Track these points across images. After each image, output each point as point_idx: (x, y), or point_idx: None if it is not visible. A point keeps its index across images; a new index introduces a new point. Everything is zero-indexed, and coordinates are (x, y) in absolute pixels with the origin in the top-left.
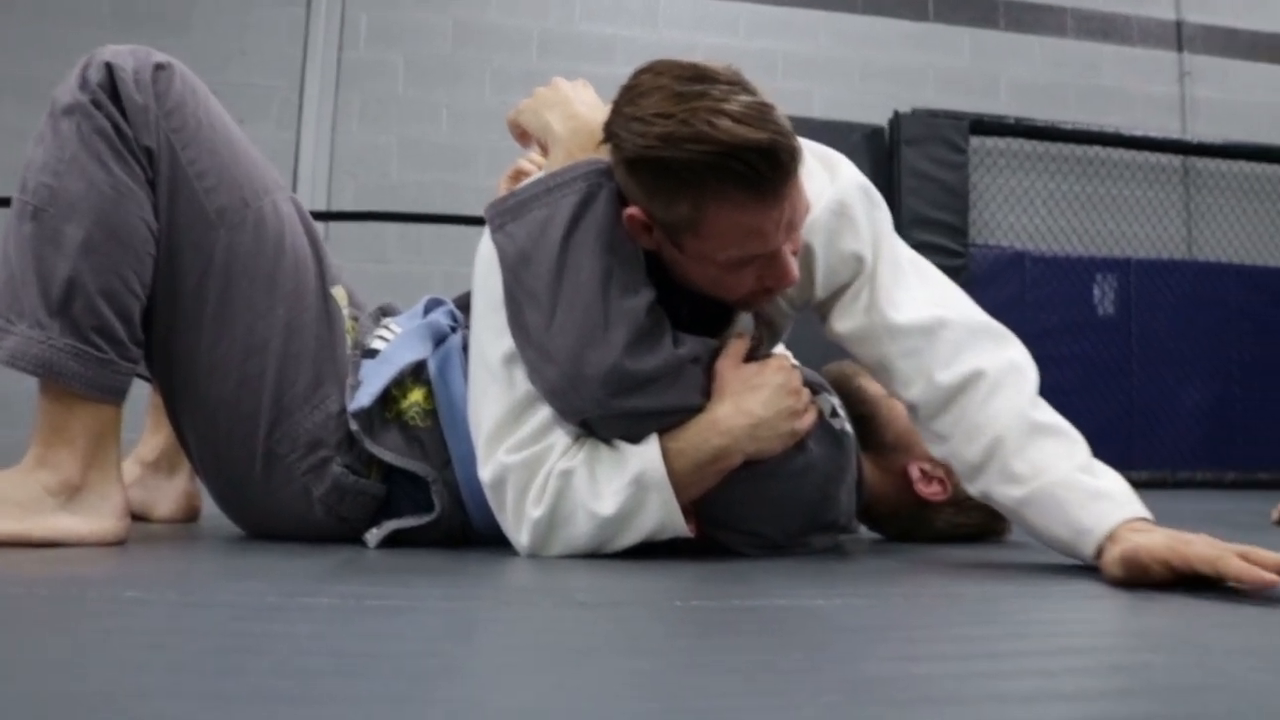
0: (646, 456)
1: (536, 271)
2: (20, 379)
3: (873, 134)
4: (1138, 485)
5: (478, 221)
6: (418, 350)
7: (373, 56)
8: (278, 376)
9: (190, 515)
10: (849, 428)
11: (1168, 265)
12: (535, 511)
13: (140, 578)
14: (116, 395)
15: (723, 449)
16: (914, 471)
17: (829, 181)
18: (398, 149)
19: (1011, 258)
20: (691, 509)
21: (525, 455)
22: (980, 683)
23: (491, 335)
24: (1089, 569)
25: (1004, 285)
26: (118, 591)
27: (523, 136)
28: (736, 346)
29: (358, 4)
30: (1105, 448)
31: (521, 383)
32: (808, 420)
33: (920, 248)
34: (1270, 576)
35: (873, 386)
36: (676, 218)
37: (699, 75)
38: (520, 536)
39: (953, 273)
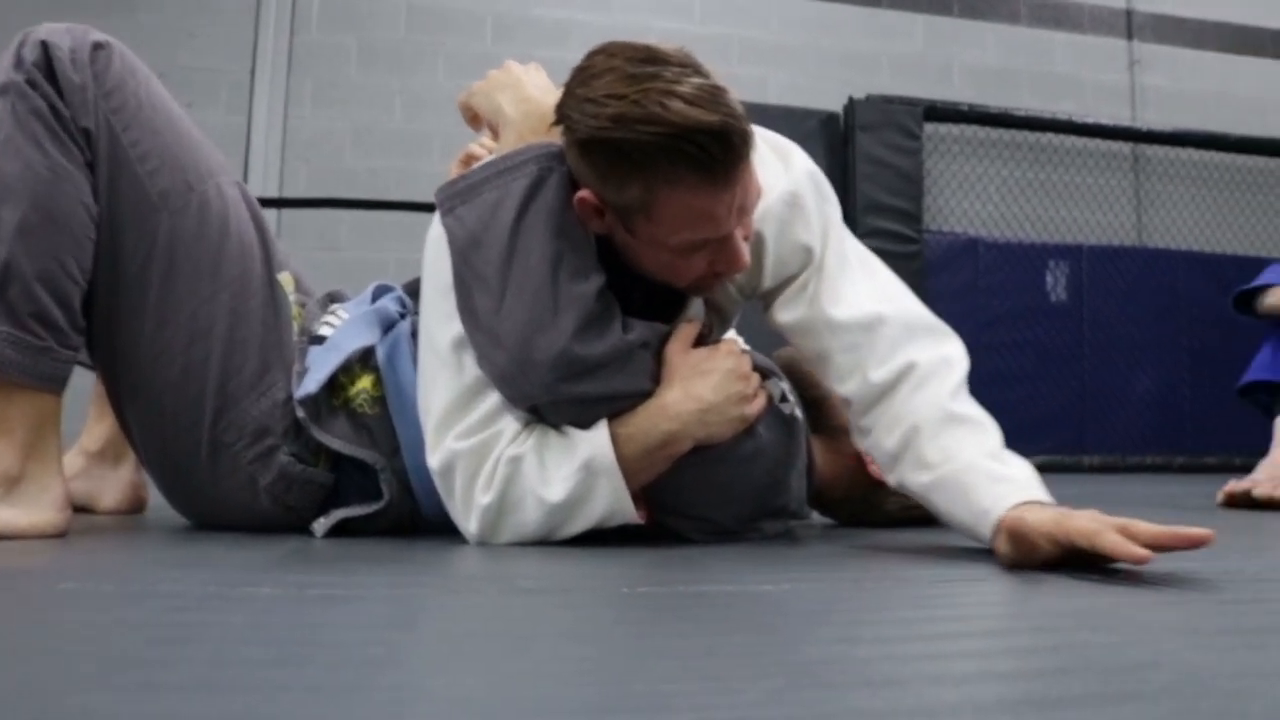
0: (595, 442)
1: (486, 255)
2: None
3: (828, 120)
4: (1090, 470)
5: (431, 208)
6: (365, 337)
7: (325, 40)
8: (222, 364)
9: (136, 506)
10: (799, 413)
11: (1118, 252)
12: (484, 498)
13: (77, 569)
14: (56, 384)
15: (672, 434)
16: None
17: (783, 171)
18: (351, 134)
19: (965, 244)
20: (642, 495)
21: (474, 441)
22: (919, 664)
23: (440, 320)
24: None
25: (958, 271)
26: (52, 584)
27: (474, 119)
28: (686, 331)
29: None
30: (1058, 433)
31: (470, 368)
32: (757, 405)
33: (875, 234)
34: (1141, 552)
35: None
36: (628, 200)
37: (651, 57)
38: (469, 524)
39: (907, 259)
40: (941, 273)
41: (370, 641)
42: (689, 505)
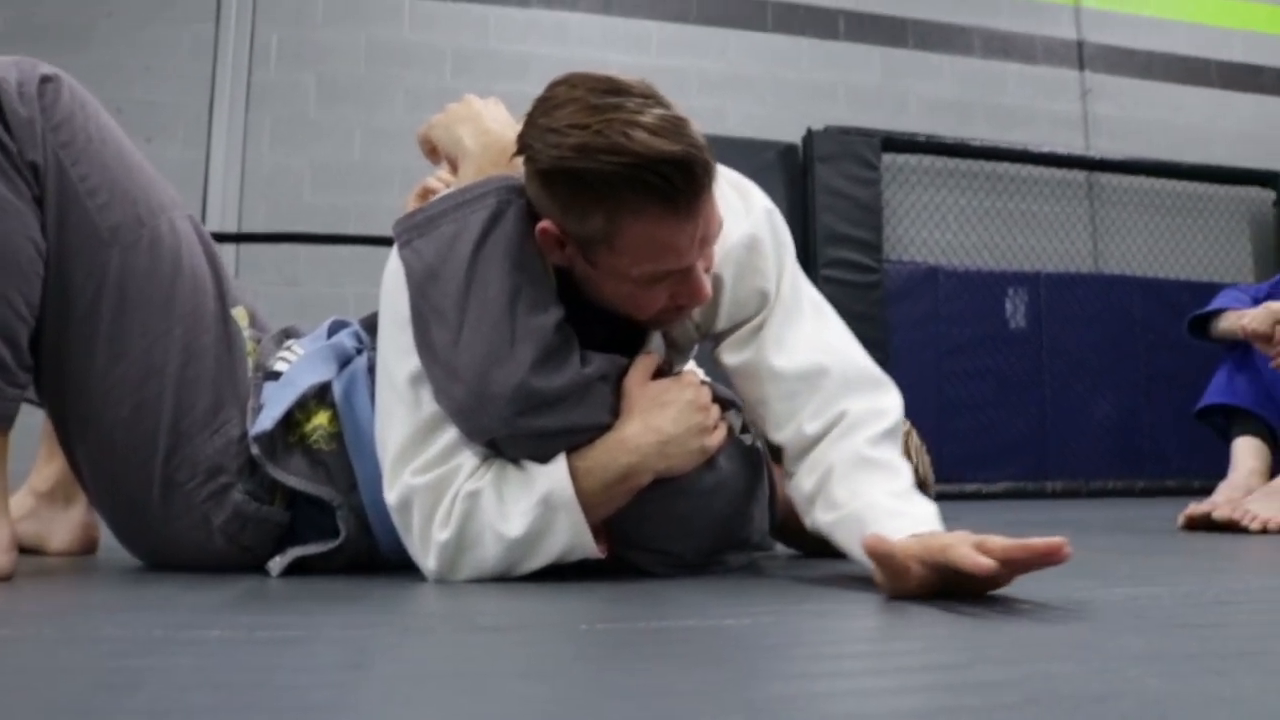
0: (554, 476)
1: (444, 288)
2: None
3: (786, 151)
4: (1053, 495)
5: (391, 243)
6: (321, 372)
7: (284, 75)
8: (175, 401)
9: (88, 547)
10: (760, 443)
11: (1076, 279)
12: (442, 534)
13: (18, 614)
14: (3, 422)
15: (631, 467)
16: None
17: (744, 212)
18: (310, 169)
19: (925, 273)
20: (602, 529)
21: (431, 477)
22: (882, 700)
23: (398, 355)
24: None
25: (918, 300)
26: None
27: (432, 153)
28: (645, 363)
29: (268, 21)
30: (1021, 459)
31: (428, 403)
32: (718, 437)
33: (835, 264)
34: (985, 562)
35: None
36: (590, 231)
37: (614, 88)
38: (427, 560)
39: (867, 288)
40: (902, 301)
41: (319, 685)
42: (650, 538)
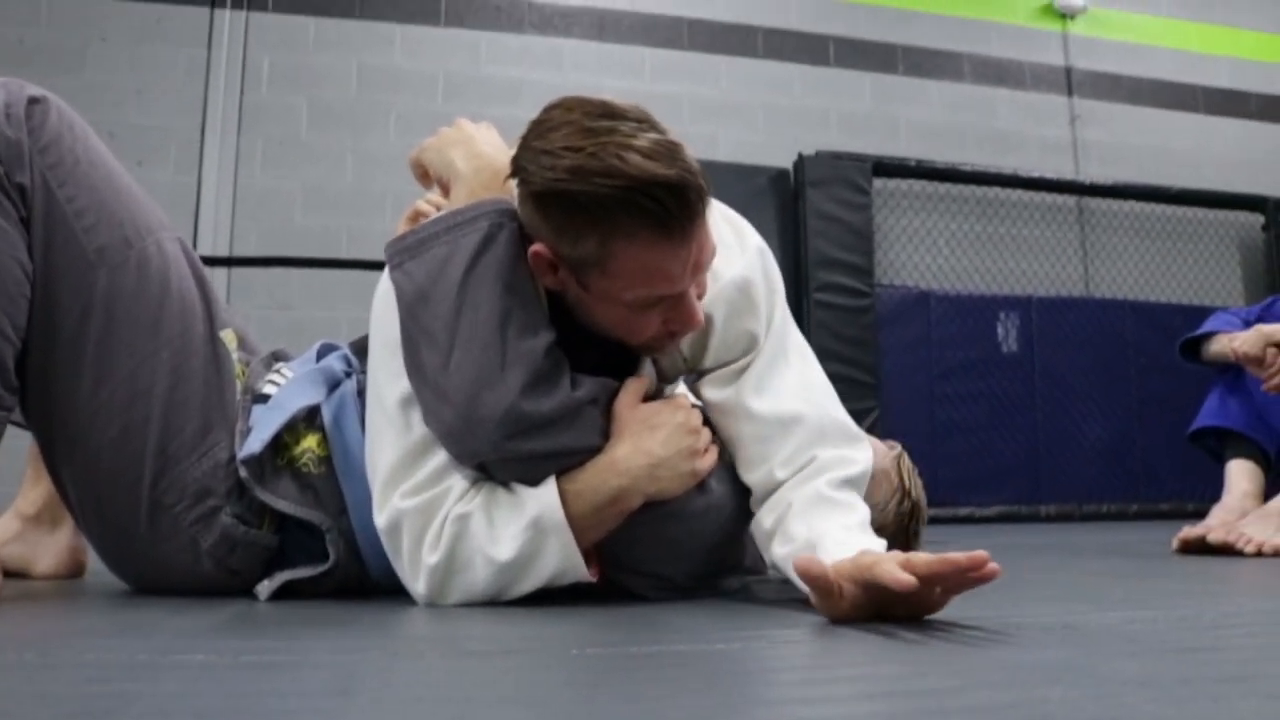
0: (544, 499)
1: (435, 311)
2: None
3: (778, 176)
4: (1046, 519)
5: (383, 267)
6: (310, 395)
7: (275, 99)
8: (163, 423)
9: (75, 571)
10: None
11: (1067, 302)
12: (431, 558)
13: (2, 639)
14: None
15: (622, 490)
16: None
17: (738, 250)
18: (302, 193)
19: (917, 297)
20: (593, 552)
21: (421, 500)
22: None
23: (388, 377)
24: (989, 609)
25: (910, 324)
26: None
27: (424, 176)
28: (635, 386)
29: (260, 45)
30: (1014, 483)
31: (418, 426)
32: (709, 460)
33: (827, 288)
34: (907, 579)
35: None
36: (583, 254)
37: (608, 112)
38: (417, 585)
39: (859, 313)
40: (894, 325)
41: (305, 710)
42: (641, 562)
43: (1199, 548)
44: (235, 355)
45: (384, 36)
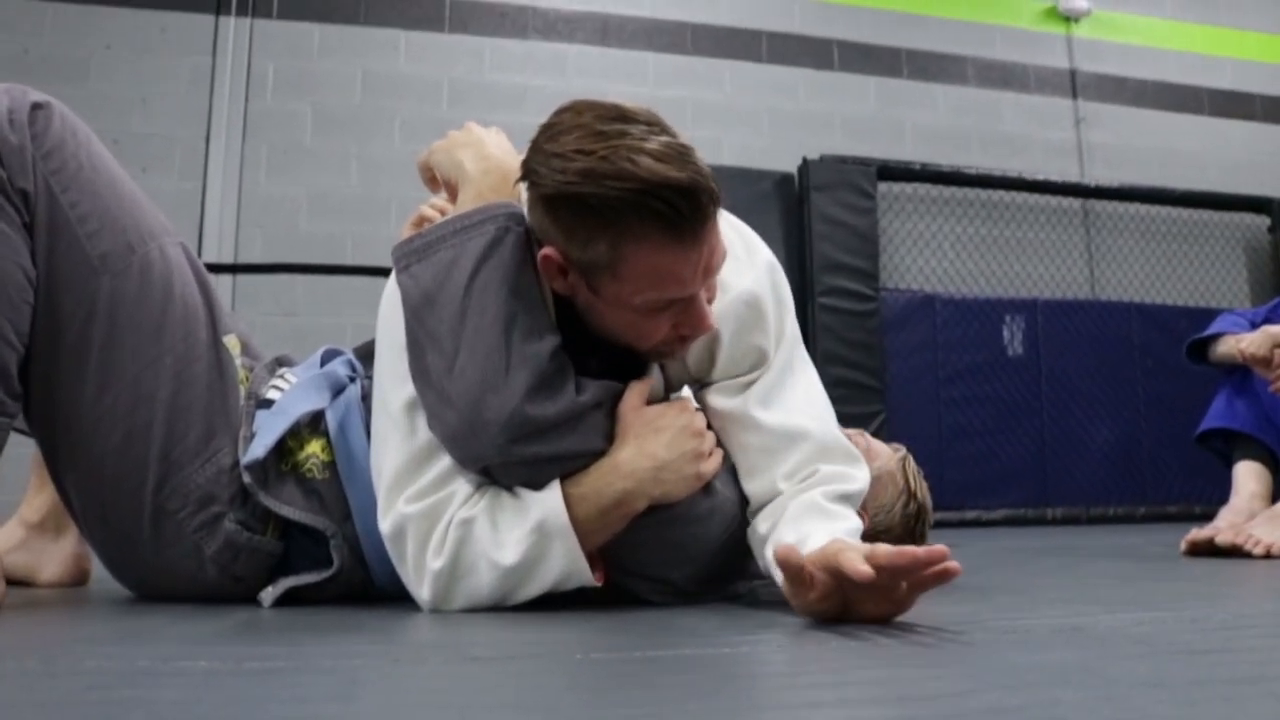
0: (548, 503)
1: (440, 314)
2: None
3: (782, 180)
4: (1053, 522)
5: (388, 273)
6: (314, 400)
7: (280, 106)
8: (166, 429)
9: (79, 578)
10: None
11: (1073, 305)
12: (436, 563)
13: (4, 646)
14: None
15: (626, 493)
16: None
17: (748, 262)
18: (306, 200)
19: (922, 301)
20: (598, 557)
21: (425, 505)
22: None
23: (394, 381)
24: (998, 611)
25: (915, 328)
26: None
27: (431, 180)
28: (639, 389)
29: (264, 53)
30: (1021, 486)
31: (423, 431)
32: (713, 463)
33: (832, 292)
34: (864, 569)
35: None
36: (594, 258)
37: (620, 115)
38: (421, 590)
39: (864, 316)
40: (899, 329)
41: (304, 717)
42: (646, 566)
43: (1207, 550)
44: (238, 361)
45: (388, 43)
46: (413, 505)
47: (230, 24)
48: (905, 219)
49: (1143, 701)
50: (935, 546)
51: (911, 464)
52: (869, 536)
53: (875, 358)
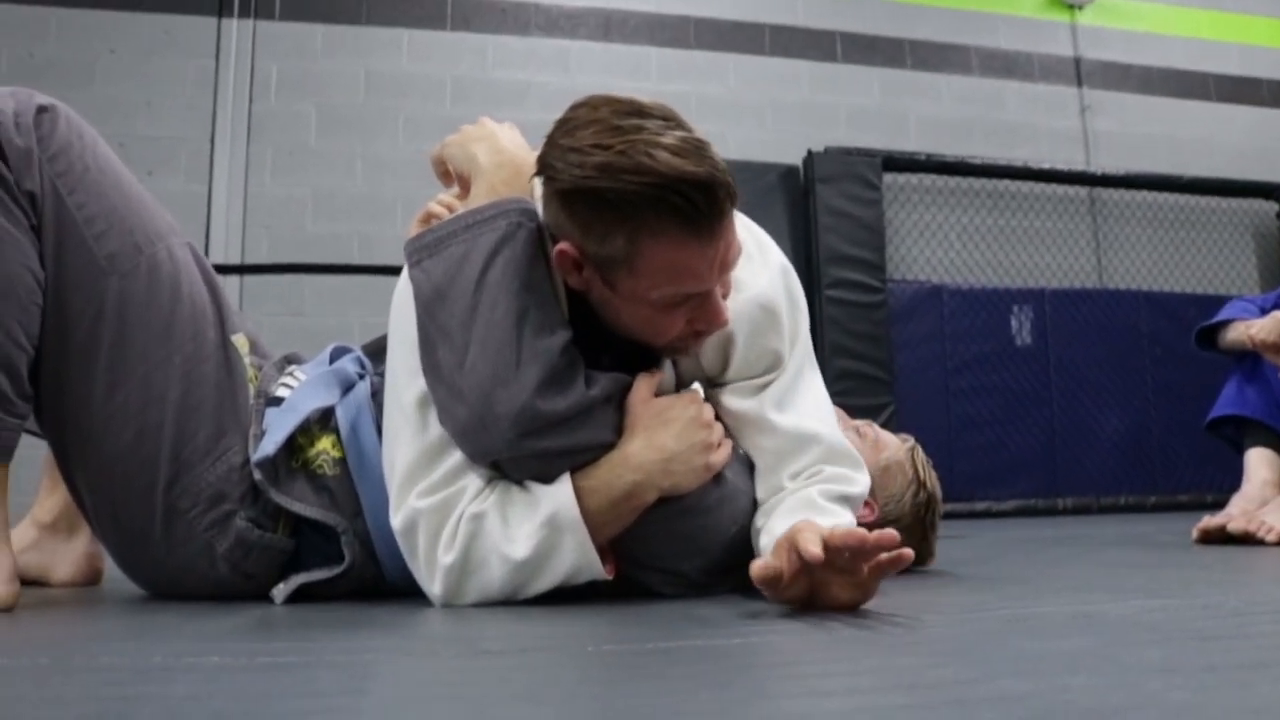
0: (559, 497)
1: (451, 309)
2: None
3: (787, 173)
4: (1064, 512)
5: (394, 271)
6: (324, 397)
7: (284, 107)
8: (176, 429)
9: (92, 578)
10: None
11: (1080, 294)
12: (447, 558)
13: (17, 643)
14: (3, 454)
15: (636, 485)
16: None
17: (761, 264)
18: (312, 200)
19: (929, 291)
20: (609, 549)
21: (436, 500)
22: (894, 715)
23: (406, 377)
24: (1007, 600)
25: (923, 319)
26: None
27: (445, 175)
28: (647, 381)
29: (268, 54)
30: (1031, 477)
31: (434, 426)
32: (723, 454)
33: (839, 284)
34: (813, 550)
35: None
36: (610, 253)
37: (636, 110)
38: (432, 585)
39: (872, 308)
40: (907, 321)
41: (318, 710)
42: (657, 557)
43: (1219, 537)
44: (247, 359)
45: (391, 42)
46: (424, 500)
47: (234, 26)
48: (911, 210)
49: (1155, 687)
50: (885, 531)
51: (920, 454)
52: (880, 526)
53: (883, 349)
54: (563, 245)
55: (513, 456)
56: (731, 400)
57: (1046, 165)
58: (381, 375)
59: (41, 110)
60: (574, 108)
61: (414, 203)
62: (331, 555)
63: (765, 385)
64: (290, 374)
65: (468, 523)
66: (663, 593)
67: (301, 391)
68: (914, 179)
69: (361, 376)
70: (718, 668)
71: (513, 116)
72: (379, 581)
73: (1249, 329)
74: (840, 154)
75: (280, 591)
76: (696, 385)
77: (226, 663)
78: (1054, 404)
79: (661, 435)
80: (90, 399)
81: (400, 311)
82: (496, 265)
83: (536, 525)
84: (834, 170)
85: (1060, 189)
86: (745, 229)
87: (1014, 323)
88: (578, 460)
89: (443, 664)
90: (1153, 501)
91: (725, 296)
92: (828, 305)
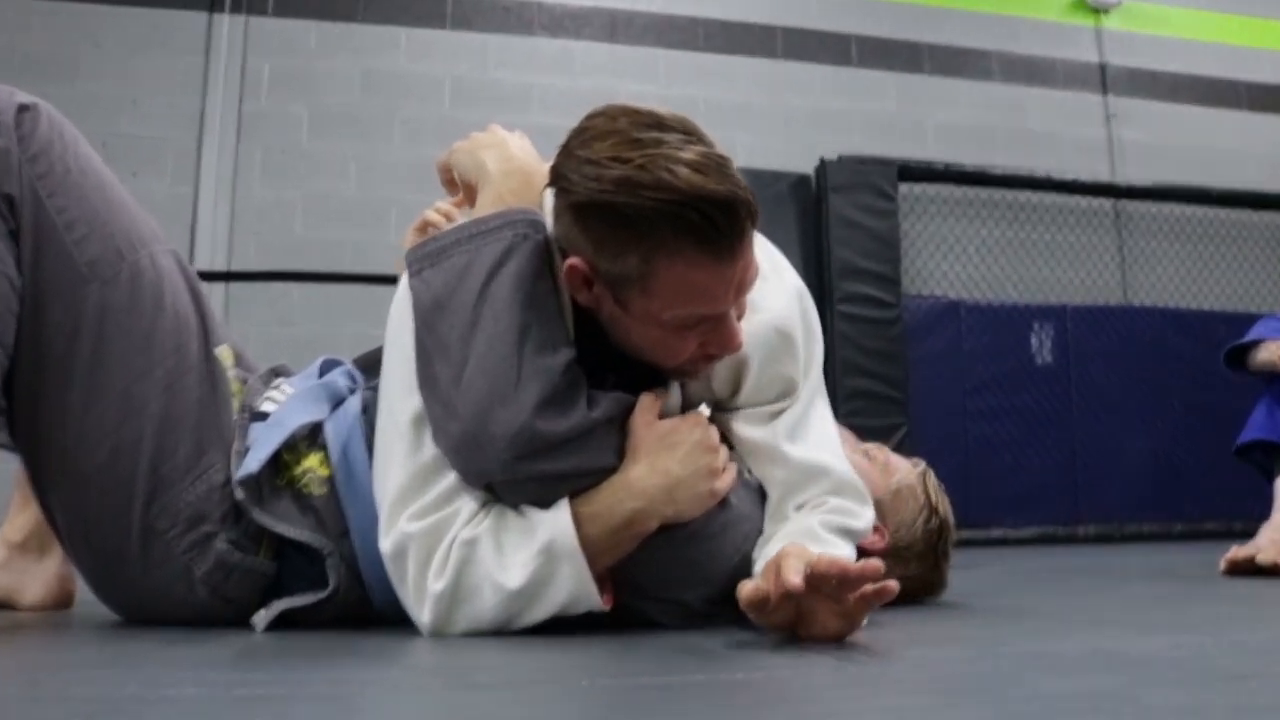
0: (556, 524)
1: (450, 321)
2: None
3: (799, 182)
4: (1085, 540)
5: (388, 280)
6: (313, 412)
7: (275, 107)
8: (156, 444)
9: (63, 601)
10: None
11: (1104, 312)
12: (437, 585)
13: None
14: None
15: (638, 512)
16: None
17: (777, 286)
18: (302, 204)
19: (946, 307)
20: (607, 577)
21: (427, 523)
22: None
23: (402, 392)
24: (1024, 635)
25: (940, 336)
26: None
27: (450, 183)
28: (652, 402)
29: (259, 51)
30: (1050, 502)
31: (429, 445)
32: (727, 479)
33: (852, 299)
34: (793, 580)
35: None
36: (623, 271)
37: (656, 122)
38: (421, 614)
39: (886, 324)
40: (923, 338)
41: None
42: (658, 586)
43: (1248, 569)
44: (232, 373)
45: (388, 40)
46: (415, 523)
47: (224, 21)
48: (928, 222)
49: None
50: (869, 561)
51: (932, 478)
52: (891, 554)
53: (897, 368)
54: (573, 260)
55: (508, 479)
56: (743, 427)
57: (1070, 176)
58: (374, 389)
59: (22, 109)
60: (590, 117)
61: (410, 209)
62: (316, 579)
63: (778, 414)
64: (277, 387)
65: (460, 548)
66: (663, 624)
67: (289, 406)
68: (931, 189)
69: (352, 391)
70: (718, 706)
71: (514, 119)
72: (365, 608)
73: None
74: (854, 162)
75: (261, 618)
76: (703, 407)
77: (203, 694)
78: (1075, 426)
79: (666, 460)
80: (66, 411)
81: (398, 323)
82: (500, 278)
83: (532, 553)
84: (847, 179)
85: (1084, 201)
86: (759, 247)
87: (1034, 341)
88: (577, 485)
89: (431, 698)
90: (1178, 529)
91: (740, 319)
92: (839, 321)
